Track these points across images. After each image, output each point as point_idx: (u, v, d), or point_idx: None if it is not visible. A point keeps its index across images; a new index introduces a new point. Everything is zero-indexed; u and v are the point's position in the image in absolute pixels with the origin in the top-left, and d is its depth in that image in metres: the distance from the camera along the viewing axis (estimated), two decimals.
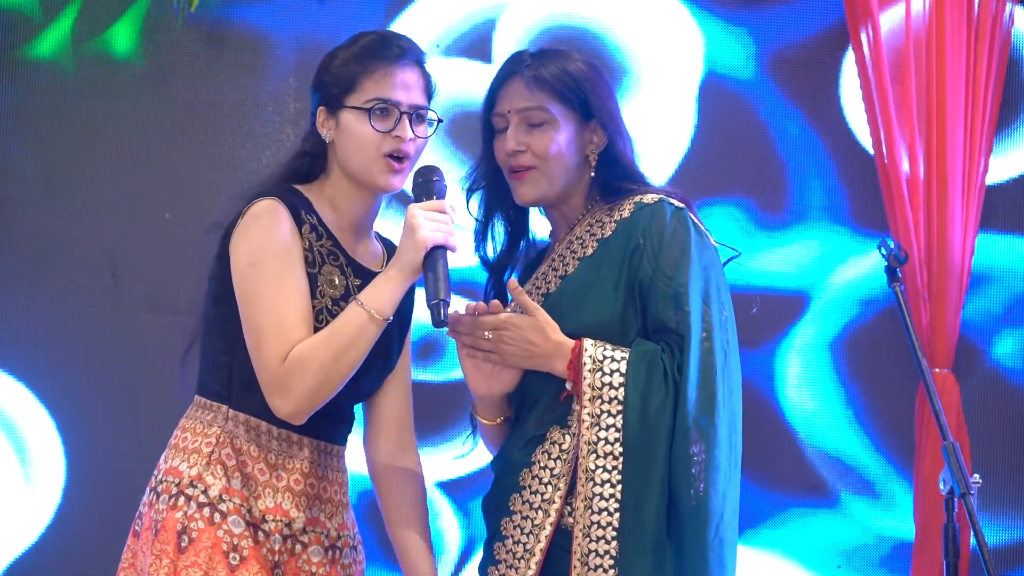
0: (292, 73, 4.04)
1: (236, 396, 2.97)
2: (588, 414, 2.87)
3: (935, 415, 3.29)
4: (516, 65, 3.04)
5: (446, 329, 2.88)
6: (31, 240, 4.04)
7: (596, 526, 2.83)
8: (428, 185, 2.93)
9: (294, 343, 2.86)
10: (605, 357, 2.88)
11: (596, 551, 2.83)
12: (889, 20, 3.91)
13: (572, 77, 3.02)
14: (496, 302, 2.94)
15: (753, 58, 4.06)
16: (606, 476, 2.84)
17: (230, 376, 2.98)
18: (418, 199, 2.91)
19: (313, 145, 3.04)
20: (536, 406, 2.98)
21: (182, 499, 2.92)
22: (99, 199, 4.04)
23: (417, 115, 3.00)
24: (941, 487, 3.21)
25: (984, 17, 3.91)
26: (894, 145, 3.87)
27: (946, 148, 3.87)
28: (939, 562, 3.73)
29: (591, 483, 2.84)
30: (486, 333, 2.92)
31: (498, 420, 3.04)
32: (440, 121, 3.05)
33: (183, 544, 2.89)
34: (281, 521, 2.95)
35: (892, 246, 3.28)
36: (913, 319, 3.82)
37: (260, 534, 2.93)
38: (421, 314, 3.01)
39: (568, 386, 2.90)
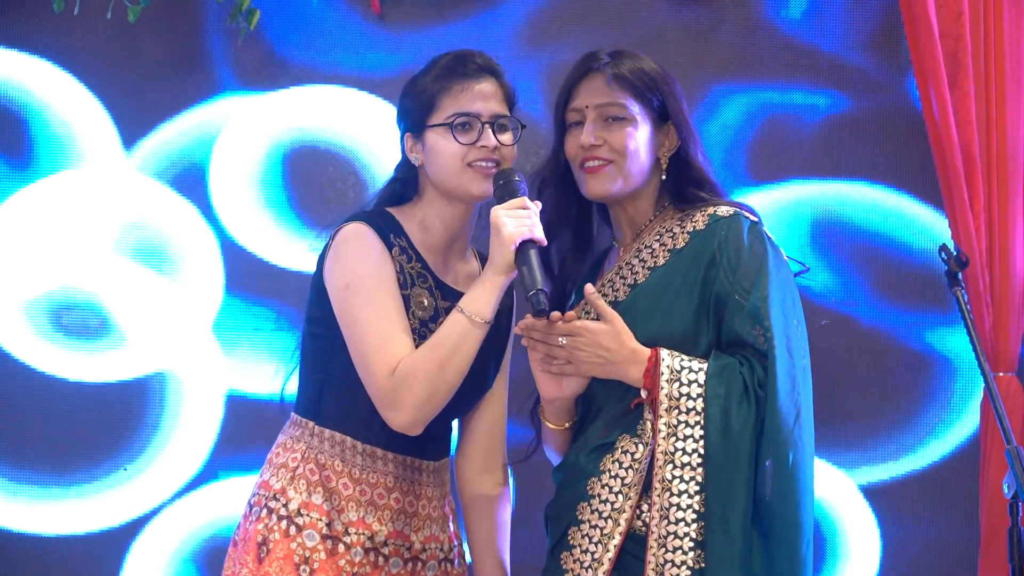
0: None
1: (324, 412, 3.09)
2: (664, 424, 2.89)
3: (998, 419, 3.31)
4: (594, 61, 3.08)
5: (546, 318, 2.92)
6: None
7: (673, 536, 2.86)
8: (509, 186, 3.02)
9: (399, 357, 2.97)
10: (683, 367, 2.91)
11: (672, 561, 2.86)
12: (945, 23, 3.91)
13: (651, 78, 3.07)
14: (571, 312, 2.97)
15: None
16: (683, 487, 2.87)
17: (320, 393, 3.09)
18: (501, 201, 3.00)
19: (404, 171, 3.14)
20: (601, 414, 3.02)
21: (265, 511, 3.05)
22: None
23: (499, 124, 3.08)
24: (1005, 491, 3.23)
25: None
26: (953, 149, 3.89)
27: (1006, 152, 3.89)
28: (1006, 567, 3.74)
29: (667, 493, 2.87)
30: (560, 339, 2.95)
31: (566, 425, 3.07)
32: (524, 127, 3.12)
33: (262, 555, 3.01)
34: (363, 534, 3.05)
35: (952, 251, 3.30)
36: (976, 323, 3.85)
37: (341, 546, 3.03)
38: None
39: (643, 394, 2.93)
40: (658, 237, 3.06)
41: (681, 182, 3.08)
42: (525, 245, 2.93)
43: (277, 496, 3.06)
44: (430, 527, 3.15)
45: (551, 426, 3.08)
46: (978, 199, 3.90)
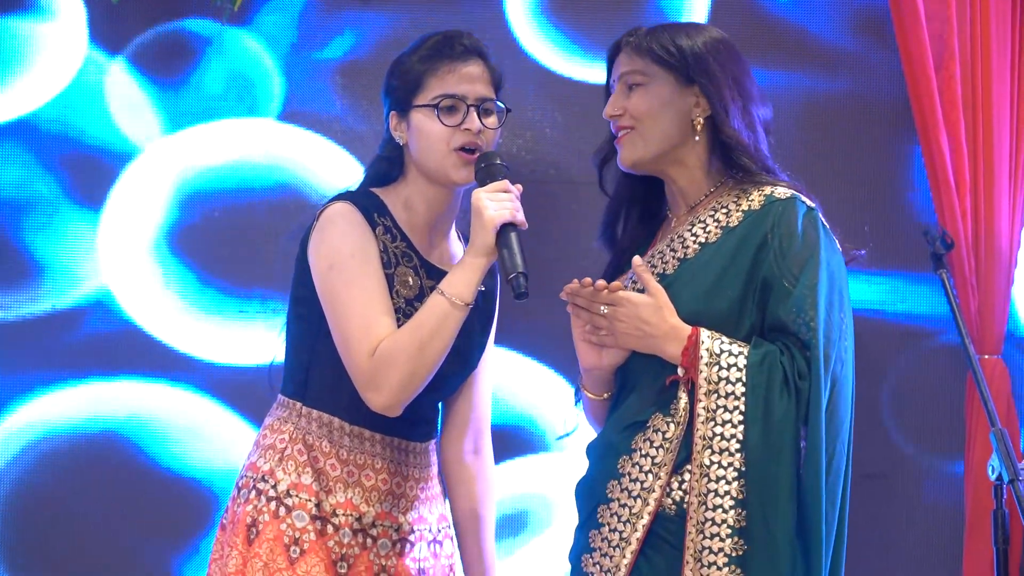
0: None
1: (311, 393, 3.11)
2: (704, 408, 2.88)
3: (983, 401, 3.34)
4: (625, 36, 3.10)
5: (525, 300, 2.94)
6: None
7: (711, 523, 2.85)
8: (491, 169, 3.05)
9: (380, 338, 3.00)
10: (722, 351, 2.89)
11: (710, 548, 2.85)
12: (932, 5, 3.93)
13: (673, 40, 3.03)
14: (616, 282, 2.96)
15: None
16: (721, 472, 2.86)
17: (306, 374, 3.12)
18: (482, 184, 3.03)
19: (389, 150, 3.17)
20: (635, 390, 3.01)
21: (254, 493, 3.07)
22: None
23: (484, 107, 3.10)
24: (990, 474, 3.27)
25: None
26: (939, 132, 3.91)
27: (992, 134, 3.91)
28: (990, 548, 3.78)
29: (705, 479, 2.86)
30: (602, 307, 2.95)
31: (604, 395, 3.08)
32: (509, 111, 3.14)
33: (252, 536, 3.03)
34: (351, 515, 3.08)
35: (937, 233, 3.32)
36: (961, 305, 3.88)
37: (329, 527, 3.06)
38: None
39: (679, 372, 2.92)
40: (712, 213, 3.03)
41: (722, 150, 3.03)
42: (506, 228, 2.96)
43: (266, 477, 3.08)
44: (418, 508, 3.17)
45: (590, 396, 3.09)
46: (964, 182, 3.92)
